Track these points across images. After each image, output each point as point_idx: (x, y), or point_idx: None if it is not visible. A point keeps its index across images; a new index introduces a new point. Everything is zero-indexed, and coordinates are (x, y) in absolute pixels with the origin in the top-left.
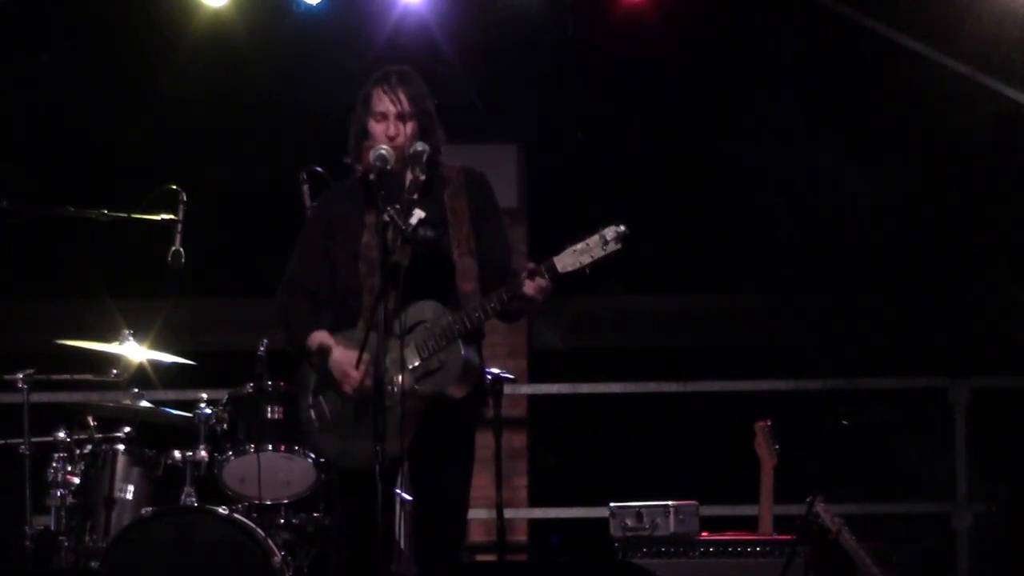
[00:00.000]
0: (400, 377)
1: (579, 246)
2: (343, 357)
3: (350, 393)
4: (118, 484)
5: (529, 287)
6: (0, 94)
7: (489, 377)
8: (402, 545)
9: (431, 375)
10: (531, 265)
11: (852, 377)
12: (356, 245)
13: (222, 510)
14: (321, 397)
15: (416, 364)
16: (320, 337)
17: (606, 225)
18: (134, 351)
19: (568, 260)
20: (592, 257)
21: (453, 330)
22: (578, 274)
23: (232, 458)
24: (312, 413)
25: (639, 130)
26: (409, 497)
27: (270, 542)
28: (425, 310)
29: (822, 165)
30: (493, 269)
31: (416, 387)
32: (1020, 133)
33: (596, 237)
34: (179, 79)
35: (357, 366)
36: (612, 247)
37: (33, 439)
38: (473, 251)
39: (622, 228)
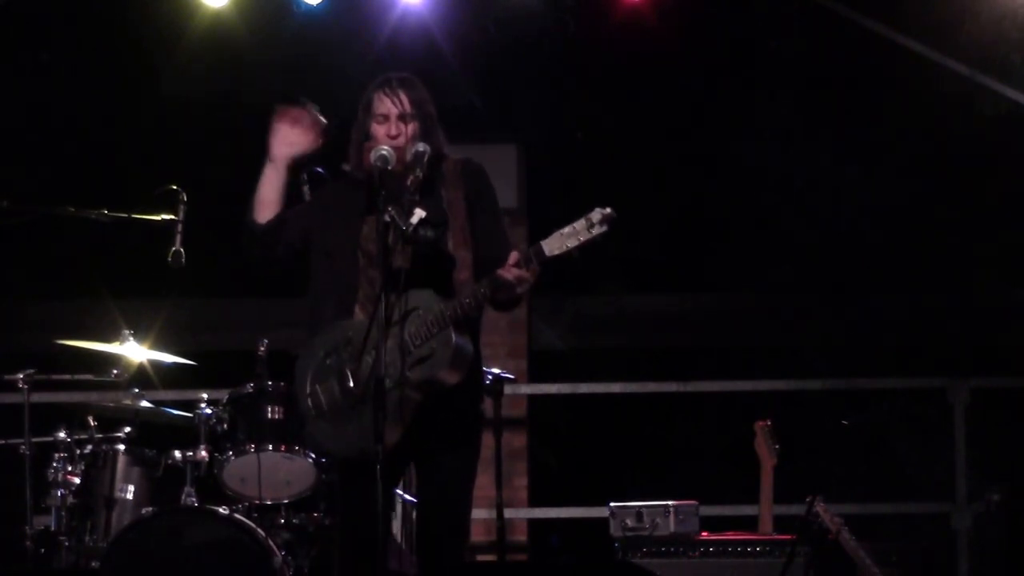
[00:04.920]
0: (388, 363)
1: (566, 229)
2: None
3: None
4: (118, 484)
5: (510, 275)
6: (0, 94)
7: (489, 377)
8: (402, 544)
9: (422, 362)
10: (516, 254)
11: (852, 377)
12: (356, 236)
13: (222, 510)
14: (318, 386)
15: (409, 351)
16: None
17: (592, 208)
18: (134, 351)
19: (555, 244)
20: (579, 240)
21: (444, 317)
22: (566, 257)
23: (232, 458)
24: (309, 402)
25: (639, 130)
26: (410, 498)
27: (270, 542)
28: (418, 298)
29: (822, 165)
30: (487, 255)
31: (408, 374)
32: (1020, 133)
33: (583, 220)
34: (179, 79)
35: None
36: (598, 229)
37: (33, 439)
38: (468, 241)
39: (608, 210)
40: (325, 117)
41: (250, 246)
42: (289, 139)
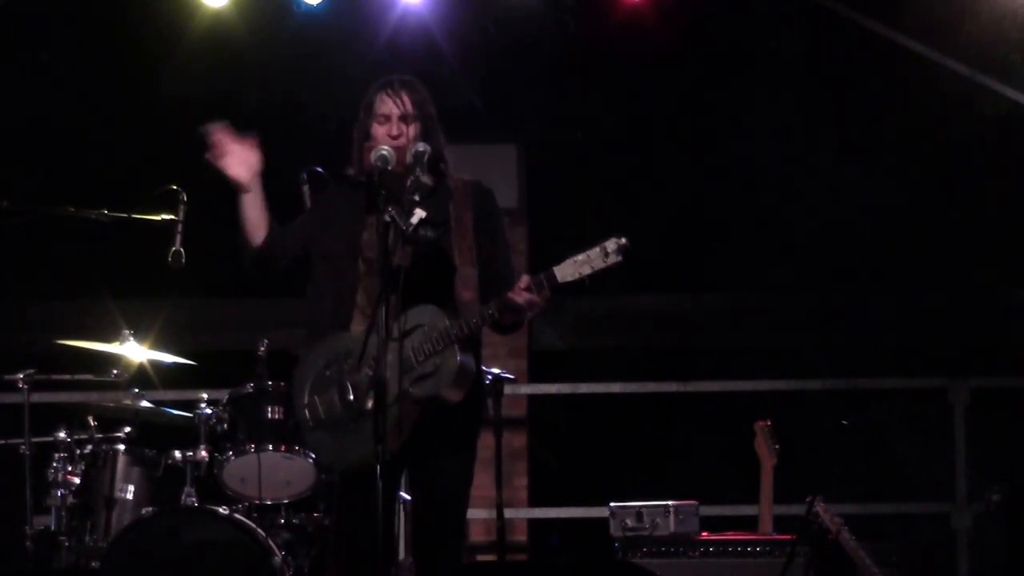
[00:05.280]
0: (390, 378)
1: (580, 257)
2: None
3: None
4: (118, 484)
5: (521, 298)
6: (0, 94)
7: (489, 377)
8: (402, 546)
9: (426, 379)
10: (527, 277)
11: (852, 377)
12: (356, 241)
13: (222, 510)
14: (316, 397)
15: (412, 367)
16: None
17: (608, 237)
18: (134, 351)
19: (568, 270)
20: (592, 268)
21: (450, 335)
22: (578, 284)
23: (232, 458)
24: (307, 413)
25: (639, 130)
26: (409, 497)
27: (270, 542)
28: (423, 314)
29: (822, 165)
30: (492, 278)
31: (411, 390)
32: (1020, 133)
33: (597, 249)
34: (179, 79)
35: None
36: (613, 259)
37: (33, 439)
38: (475, 261)
39: (624, 241)
40: (325, 117)
41: (254, 268)
42: (236, 159)
